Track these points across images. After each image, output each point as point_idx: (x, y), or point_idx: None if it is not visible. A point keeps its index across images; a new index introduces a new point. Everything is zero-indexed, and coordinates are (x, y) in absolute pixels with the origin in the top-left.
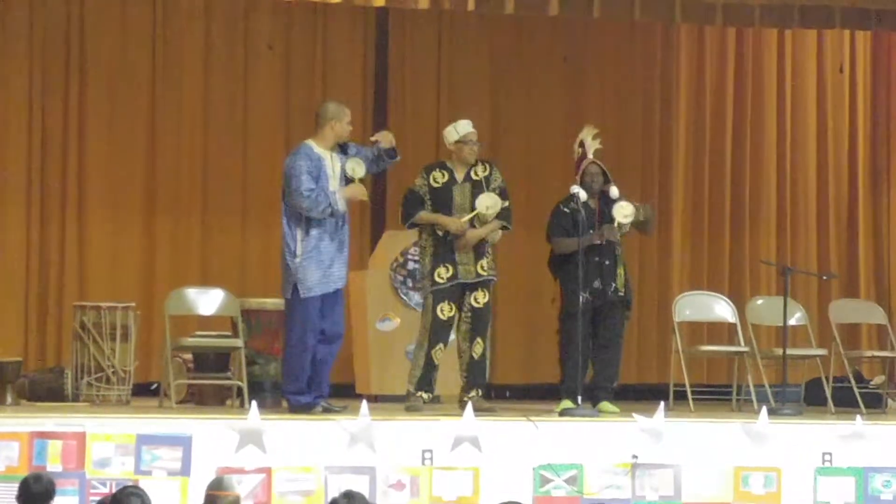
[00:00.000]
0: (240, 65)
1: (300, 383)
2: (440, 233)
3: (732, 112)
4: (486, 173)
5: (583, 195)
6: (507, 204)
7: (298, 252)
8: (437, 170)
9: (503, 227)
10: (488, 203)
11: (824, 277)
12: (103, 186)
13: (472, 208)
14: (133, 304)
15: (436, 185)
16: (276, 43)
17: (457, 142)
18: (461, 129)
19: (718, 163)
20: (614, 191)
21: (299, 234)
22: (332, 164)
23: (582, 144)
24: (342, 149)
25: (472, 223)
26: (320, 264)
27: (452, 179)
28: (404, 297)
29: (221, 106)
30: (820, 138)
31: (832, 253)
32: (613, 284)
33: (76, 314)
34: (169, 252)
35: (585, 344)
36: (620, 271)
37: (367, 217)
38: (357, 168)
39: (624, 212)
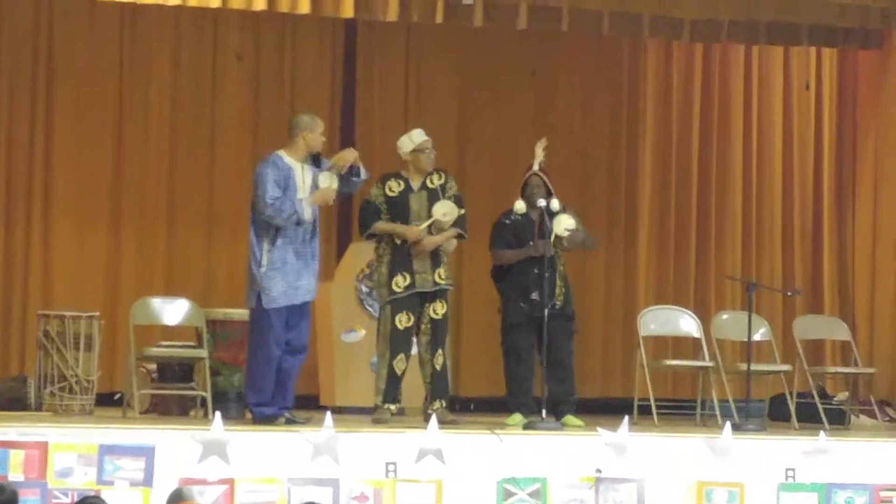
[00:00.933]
0: (208, 75)
1: (264, 395)
2: (398, 242)
3: (699, 127)
4: (442, 182)
5: (522, 207)
6: (462, 212)
7: (264, 262)
8: (393, 179)
9: (459, 236)
10: (445, 210)
11: (789, 293)
12: (69, 195)
13: (429, 216)
14: (97, 314)
15: (391, 194)
16: (244, 53)
17: (413, 151)
18: (416, 138)
19: (685, 177)
20: (555, 203)
21: (266, 243)
22: (303, 175)
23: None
24: (316, 162)
25: (428, 231)
26: (286, 276)
27: (408, 188)
28: (370, 309)
29: (189, 115)
30: (786, 154)
31: (797, 269)
32: (553, 297)
33: (40, 323)
34: (134, 261)
35: (532, 355)
36: (560, 284)
37: (332, 229)
38: (329, 181)
39: (564, 224)
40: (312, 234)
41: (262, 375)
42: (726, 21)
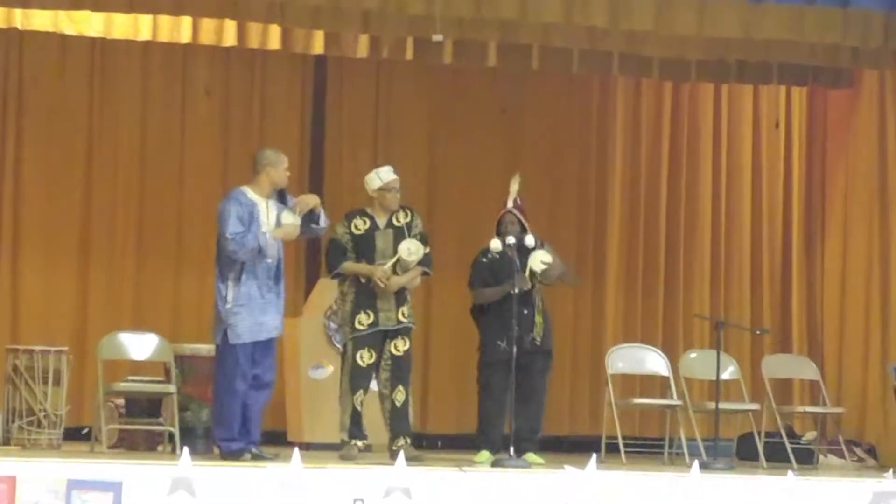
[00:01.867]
0: (177, 110)
1: (231, 430)
2: (362, 280)
3: (668, 165)
4: (408, 220)
5: (498, 245)
6: (427, 250)
7: (229, 298)
8: (358, 217)
9: (424, 273)
10: (411, 248)
11: (757, 332)
12: (37, 229)
13: (395, 255)
14: (66, 349)
15: (357, 232)
16: (213, 88)
17: (380, 189)
18: (384, 176)
19: (653, 215)
20: (529, 240)
21: (230, 280)
22: (267, 211)
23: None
24: (281, 199)
25: (394, 269)
26: (251, 312)
27: (374, 226)
28: (337, 345)
29: (158, 150)
30: (755, 193)
31: (765, 307)
32: (531, 333)
33: (9, 357)
34: (103, 296)
35: (506, 394)
36: (539, 320)
37: (301, 265)
38: (294, 219)
39: (540, 258)
40: (277, 271)
41: (228, 411)
42: (695, 60)
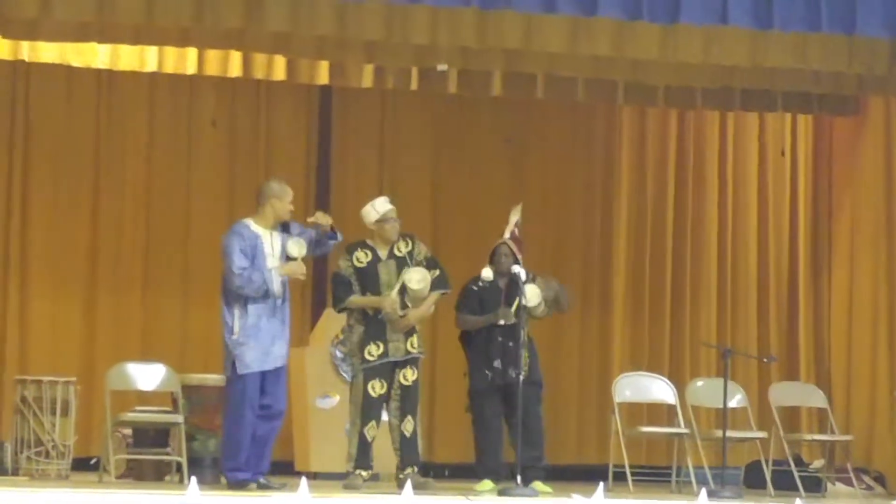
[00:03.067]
0: (183, 140)
1: (238, 460)
2: (370, 311)
3: (674, 193)
4: (409, 248)
5: (490, 274)
6: (438, 272)
7: (236, 329)
8: (360, 249)
9: (443, 293)
10: (417, 277)
11: (765, 360)
12: (45, 260)
13: (402, 286)
14: (74, 379)
15: (360, 264)
16: (219, 119)
17: (377, 221)
18: (380, 207)
19: (659, 243)
20: (521, 273)
21: (237, 311)
22: (272, 242)
23: (517, 224)
24: (285, 228)
25: (403, 302)
26: (259, 342)
27: (376, 258)
28: (344, 374)
29: (165, 181)
30: (761, 221)
31: (772, 335)
32: (516, 366)
33: (17, 388)
34: (110, 326)
35: (498, 420)
36: (524, 353)
37: (307, 294)
38: (298, 248)
39: (533, 293)
40: (283, 299)
41: (236, 441)
42: (700, 88)
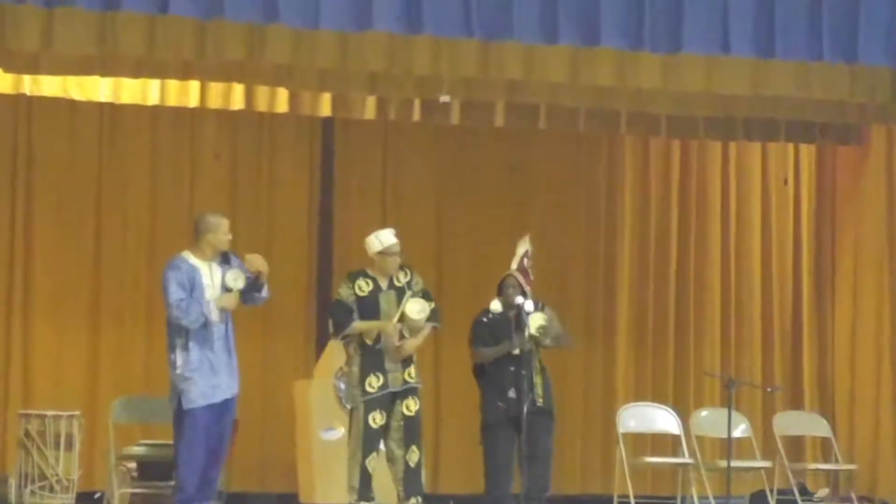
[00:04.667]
0: (186, 173)
1: (186, 493)
2: (368, 342)
3: (677, 223)
4: (407, 279)
5: (498, 307)
6: (433, 305)
7: (179, 363)
8: (361, 278)
9: (434, 328)
10: (418, 308)
11: (768, 390)
12: (48, 293)
13: (399, 314)
14: (77, 413)
15: (361, 293)
16: (222, 152)
17: (379, 252)
18: (384, 240)
19: (663, 273)
20: (528, 305)
21: (179, 346)
22: (211, 274)
23: (527, 255)
24: (224, 259)
25: (400, 331)
26: (202, 376)
27: (377, 287)
28: (348, 407)
29: (167, 214)
30: (764, 250)
31: (776, 364)
32: (530, 395)
33: (21, 422)
34: (113, 360)
35: (510, 454)
36: (538, 381)
37: (311, 326)
38: (237, 280)
39: (537, 321)
40: (226, 332)
41: (185, 475)
42: (703, 117)
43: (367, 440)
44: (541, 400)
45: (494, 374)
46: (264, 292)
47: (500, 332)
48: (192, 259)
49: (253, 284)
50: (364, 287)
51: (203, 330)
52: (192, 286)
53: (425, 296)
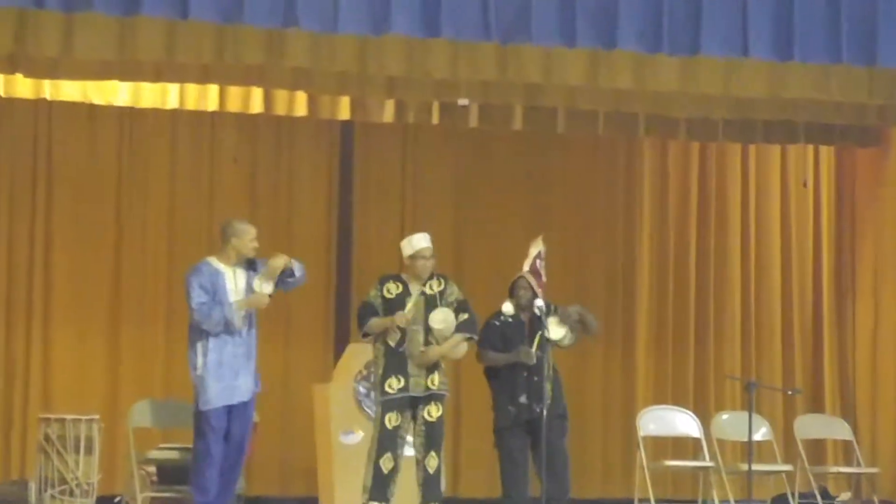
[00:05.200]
0: (205, 177)
1: (208, 494)
2: (391, 344)
3: (696, 226)
4: (441, 288)
5: (510, 309)
6: (467, 316)
7: (199, 365)
8: (392, 281)
9: (468, 339)
10: (440, 317)
11: (789, 393)
12: (68, 298)
13: (425, 323)
14: (97, 417)
15: (389, 296)
16: (241, 155)
17: (410, 256)
18: (416, 243)
19: (682, 276)
20: (539, 303)
21: (200, 347)
22: (235, 279)
23: (540, 255)
24: (251, 265)
25: (426, 339)
26: (222, 377)
27: (406, 291)
28: (368, 410)
29: (187, 217)
30: (784, 252)
31: (797, 367)
32: (541, 401)
33: (41, 426)
34: (134, 363)
35: (524, 455)
36: (549, 387)
37: (330, 330)
38: (264, 284)
39: (555, 326)
40: (248, 335)
41: (203, 476)
42: (721, 120)
43: (382, 440)
44: (549, 404)
45: (507, 378)
46: (297, 273)
47: (512, 336)
48: (215, 263)
49: (283, 275)
50: (392, 290)
51: (224, 333)
52: (215, 290)
53: (461, 306)
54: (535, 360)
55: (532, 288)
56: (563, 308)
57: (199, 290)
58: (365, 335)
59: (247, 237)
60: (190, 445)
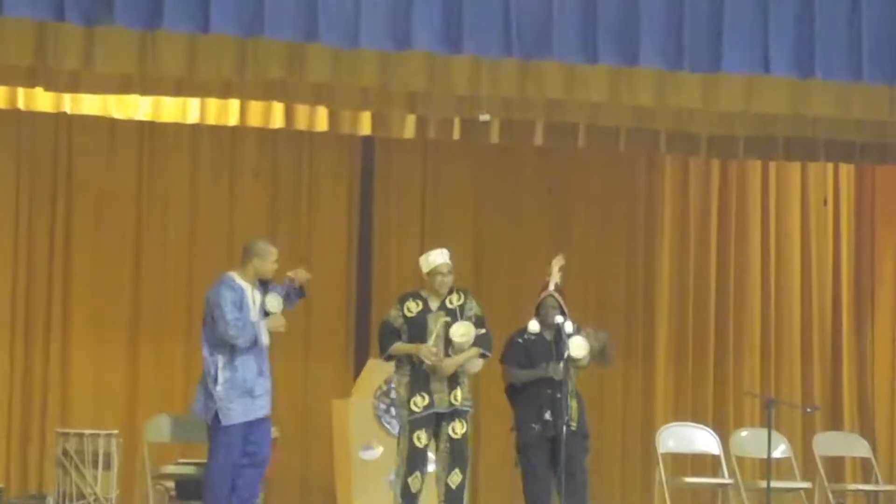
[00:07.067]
0: (225, 192)
1: None
2: (415, 362)
3: (716, 243)
4: (461, 302)
5: (536, 327)
6: (483, 331)
7: (220, 379)
8: (412, 299)
9: (482, 355)
10: (461, 331)
11: (808, 410)
12: (88, 311)
13: (447, 338)
14: (116, 432)
15: (410, 314)
16: (262, 170)
17: (428, 273)
18: (433, 259)
19: (702, 293)
20: (568, 326)
21: (221, 360)
22: (253, 296)
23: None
24: (262, 283)
25: (446, 351)
26: (244, 393)
27: (427, 308)
28: (387, 426)
29: (207, 232)
30: (804, 270)
31: (816, 384)
32: (566, 418)
33: (59, 441)
34: (152, 379)
35: (548, 472)
36: (573, 404)
37: (350, 345)
38: (275, 303)
39: (578, 345)
40: (264, 353)
41: (219, 490)
42: (742, 137)
43: (411, 459)
44: (574, 424)
45: (531, 395)
46: (304, 293)
47: (536, 354)
48: (238, 279)
49: (297, 291)
50: (413, 308)
51: (248, 349)
52: (241, 306)
53: (478, 322)
54: (562, 376)
55: (560, 307)
56: (590, 331)
57: (233, 307)
58: (388, 358)
59: (269, 258)
60: None
